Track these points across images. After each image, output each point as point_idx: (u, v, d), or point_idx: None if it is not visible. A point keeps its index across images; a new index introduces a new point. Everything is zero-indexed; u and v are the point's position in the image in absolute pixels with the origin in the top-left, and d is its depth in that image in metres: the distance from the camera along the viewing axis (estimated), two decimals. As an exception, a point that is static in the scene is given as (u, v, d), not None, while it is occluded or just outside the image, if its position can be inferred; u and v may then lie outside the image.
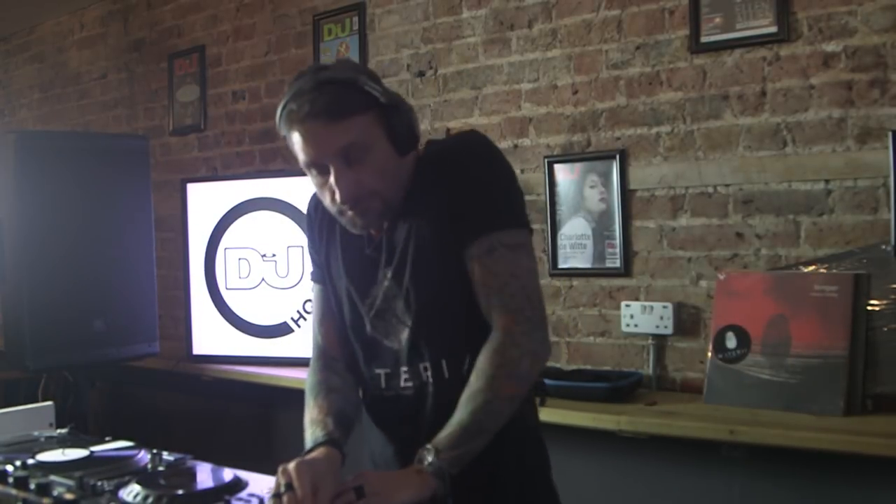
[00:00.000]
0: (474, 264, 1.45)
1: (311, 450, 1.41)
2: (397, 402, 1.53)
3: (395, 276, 1.50)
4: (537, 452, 1.59)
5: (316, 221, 1.65)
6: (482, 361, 1.41)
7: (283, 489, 1.28)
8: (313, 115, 1.38)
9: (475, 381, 1.40)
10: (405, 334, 1.50)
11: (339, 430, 1.47)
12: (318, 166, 1.43)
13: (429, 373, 1.49)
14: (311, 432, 1.47)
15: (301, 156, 1.43)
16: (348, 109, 1.40)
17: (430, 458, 1.33)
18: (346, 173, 1.41)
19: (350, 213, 1.45)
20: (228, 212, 3.41)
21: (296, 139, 1.42)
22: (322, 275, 1.66)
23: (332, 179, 1.42)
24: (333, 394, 1.55)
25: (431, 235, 1.47)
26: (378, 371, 1.55)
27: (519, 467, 1.52)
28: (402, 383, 1.52)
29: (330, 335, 1.66)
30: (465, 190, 1.45)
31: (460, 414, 1.38)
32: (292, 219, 3.25)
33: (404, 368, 1.52)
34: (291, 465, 1.31)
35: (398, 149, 1.45)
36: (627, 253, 2.66)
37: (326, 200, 1.47)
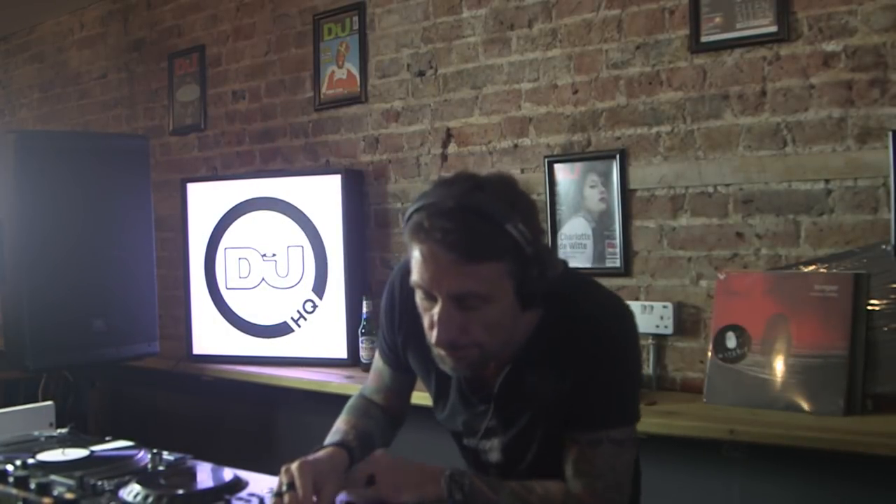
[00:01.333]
0: (575, 445, 1.38)
1: (320, 449, 1.42)
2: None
3: (500, 430, 1.46)
4: None
5: (398, 306, 1.54)
6: (557, 492, 1.38)
7: (284, 488, 1.28)
8: (442, 244, 1.23)
9: (540, 489, 1.38)
10: (495, 458, 1.49)
11: (358, 441, 1.47)
12: (427, 292, 1.30)
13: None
14: (330, 437, 1.49)
15: (414, 274, 1.30)
16: (483, 254, 1.23)
17: (458, 472, 1.36)
18: (453, 315, 1.27)
19: (443, 353, 1.33)
20: (228, 212, 3.41)
21: (415, 255, 1.28)
22: (396, 362, 1.60)
23: (435, 312, 1.29)
24: (367, 418, 1.58)
25: (545, 410, 1.39)
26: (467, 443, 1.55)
27: None
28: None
29: (388, 403, 1.66)
30: (591, 383, 1.35)
31: (517, 488, 1.37)
32: (292, 219, 3.25)
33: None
34: (294, 465, 1.30)
35: (523, 304, 1.30)
36: (627, 253, 2.66)
37: (425, 323, 1.34)
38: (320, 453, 1.39)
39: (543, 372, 1.37)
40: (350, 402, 1.64)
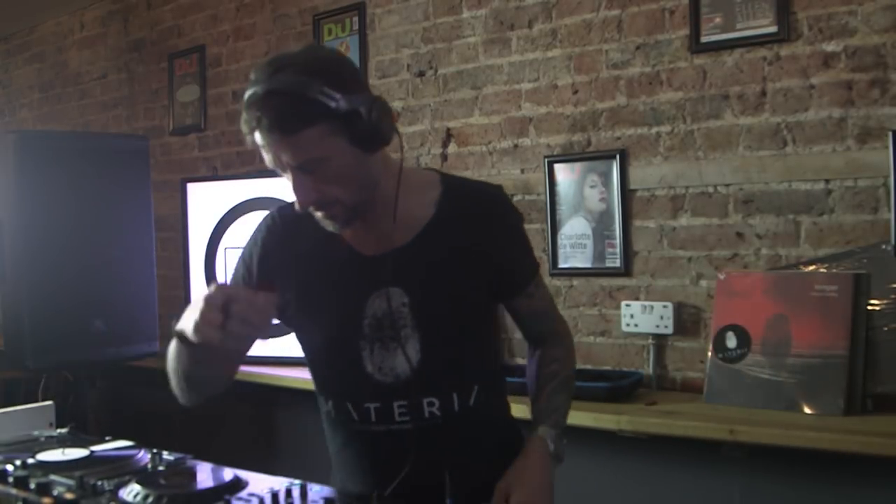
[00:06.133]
0: (527, 299, 1.62)
1: None
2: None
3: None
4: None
5: (269, 244, 1.65)
6: (557, 351, 1.64)
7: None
8: (264, 129, 1.32)
9: (555, 366, 1.61)
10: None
11: None
12: (280, 171, 1.40)
13: None
14: None
15: (266, 161, 1.40)
16: (297, 125, 1.31)
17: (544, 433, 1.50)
18: (303, 181, 1.36)
19: (318, 214, 1.43)
20: (228, 212, 3.40)
21: (258, 144, 1.39)
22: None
23: (290, 184, 1.39)
24: None
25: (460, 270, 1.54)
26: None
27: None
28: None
29: None
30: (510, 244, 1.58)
31: (552, 384, 1.58)
32: (292, 219, 3.24)
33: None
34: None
35: (364, 148, 1.37)
36: (627, 253, 2.66)
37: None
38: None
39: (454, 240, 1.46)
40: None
